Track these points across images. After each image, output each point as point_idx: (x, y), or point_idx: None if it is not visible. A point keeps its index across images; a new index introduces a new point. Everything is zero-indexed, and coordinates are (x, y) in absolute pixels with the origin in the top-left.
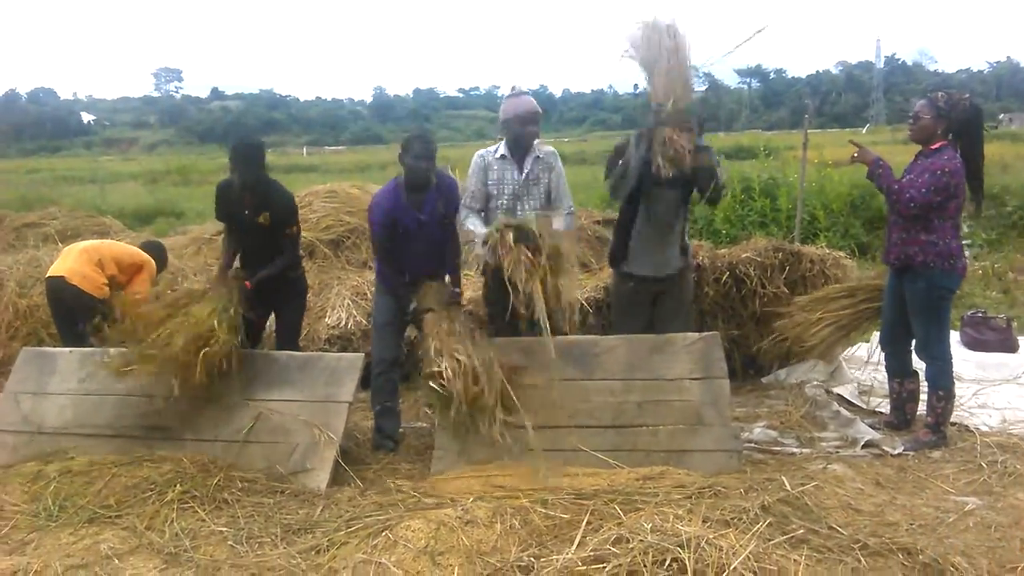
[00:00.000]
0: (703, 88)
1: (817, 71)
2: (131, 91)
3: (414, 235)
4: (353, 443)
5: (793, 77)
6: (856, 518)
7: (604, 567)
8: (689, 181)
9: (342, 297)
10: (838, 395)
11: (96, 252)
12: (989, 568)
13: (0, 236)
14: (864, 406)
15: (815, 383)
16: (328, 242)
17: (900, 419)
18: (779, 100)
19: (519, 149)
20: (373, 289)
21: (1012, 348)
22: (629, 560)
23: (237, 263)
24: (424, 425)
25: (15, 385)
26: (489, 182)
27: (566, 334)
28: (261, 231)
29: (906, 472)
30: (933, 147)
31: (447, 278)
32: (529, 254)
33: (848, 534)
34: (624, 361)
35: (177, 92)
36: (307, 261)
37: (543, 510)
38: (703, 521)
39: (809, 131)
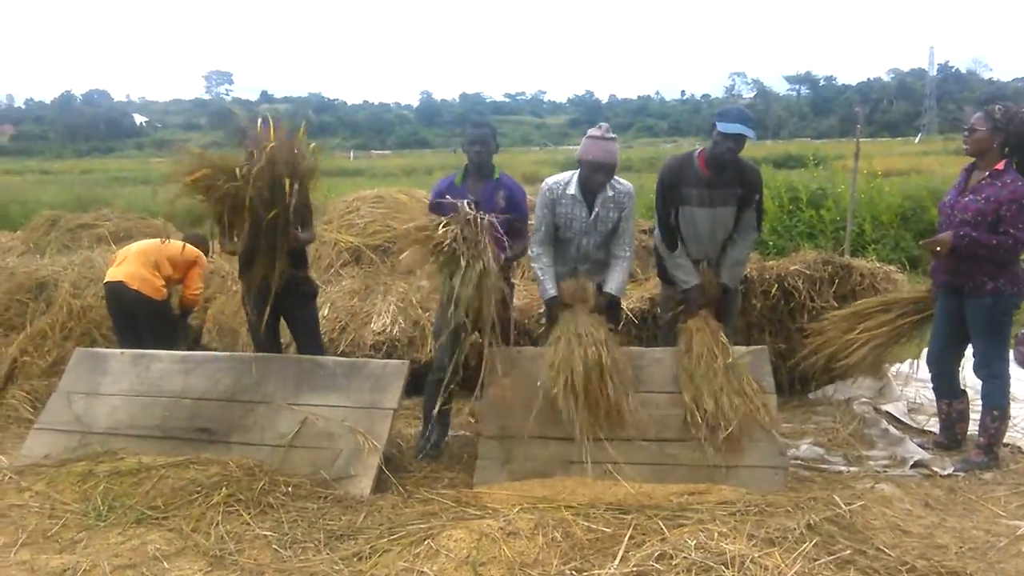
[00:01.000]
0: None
1: (868, 78)
2: (182, 93)
3: None
4: (396, 450)
5: (844, 84)
6: (904, 540)
7: None
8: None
9: (388, 303)
10: (887, 413)
11: (152, 254)
12: None
13: (55, 237)
14: (913, 424)
15: (863, 400)
16: (374, 248)
17: (950, 439)
18: (829, 108)
19: (589, 190)
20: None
21: None
22: None
23: None
24: (467, 434)
25: (68, 385)
26: (557, 214)
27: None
28: None
29: (956, 494)
30: (996, 167)
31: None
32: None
33: (896, 556)
34: (670, 374)
35: (227, 95)
36: (353, 266)
37: (585, 523)
38: (748, 539)
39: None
